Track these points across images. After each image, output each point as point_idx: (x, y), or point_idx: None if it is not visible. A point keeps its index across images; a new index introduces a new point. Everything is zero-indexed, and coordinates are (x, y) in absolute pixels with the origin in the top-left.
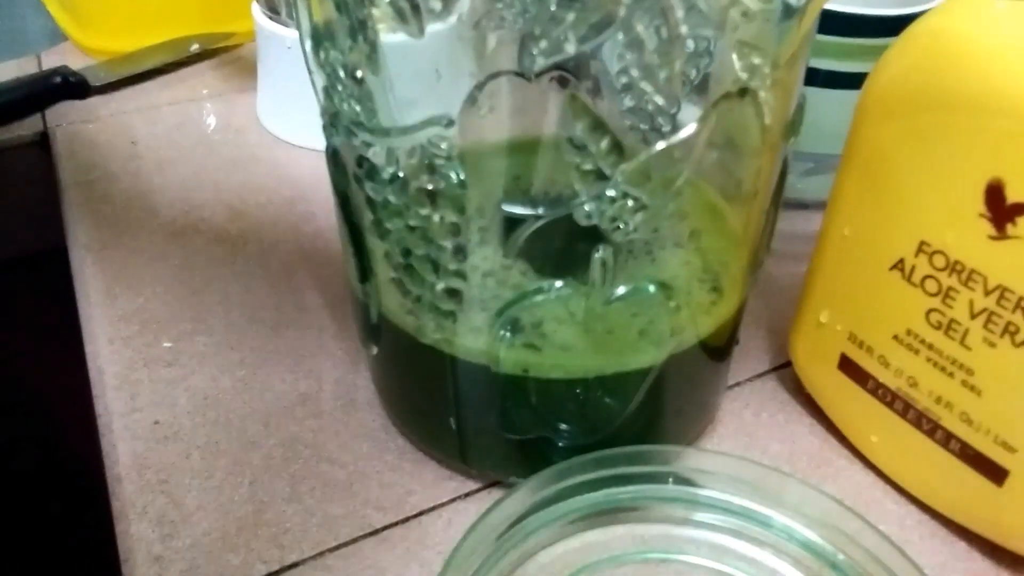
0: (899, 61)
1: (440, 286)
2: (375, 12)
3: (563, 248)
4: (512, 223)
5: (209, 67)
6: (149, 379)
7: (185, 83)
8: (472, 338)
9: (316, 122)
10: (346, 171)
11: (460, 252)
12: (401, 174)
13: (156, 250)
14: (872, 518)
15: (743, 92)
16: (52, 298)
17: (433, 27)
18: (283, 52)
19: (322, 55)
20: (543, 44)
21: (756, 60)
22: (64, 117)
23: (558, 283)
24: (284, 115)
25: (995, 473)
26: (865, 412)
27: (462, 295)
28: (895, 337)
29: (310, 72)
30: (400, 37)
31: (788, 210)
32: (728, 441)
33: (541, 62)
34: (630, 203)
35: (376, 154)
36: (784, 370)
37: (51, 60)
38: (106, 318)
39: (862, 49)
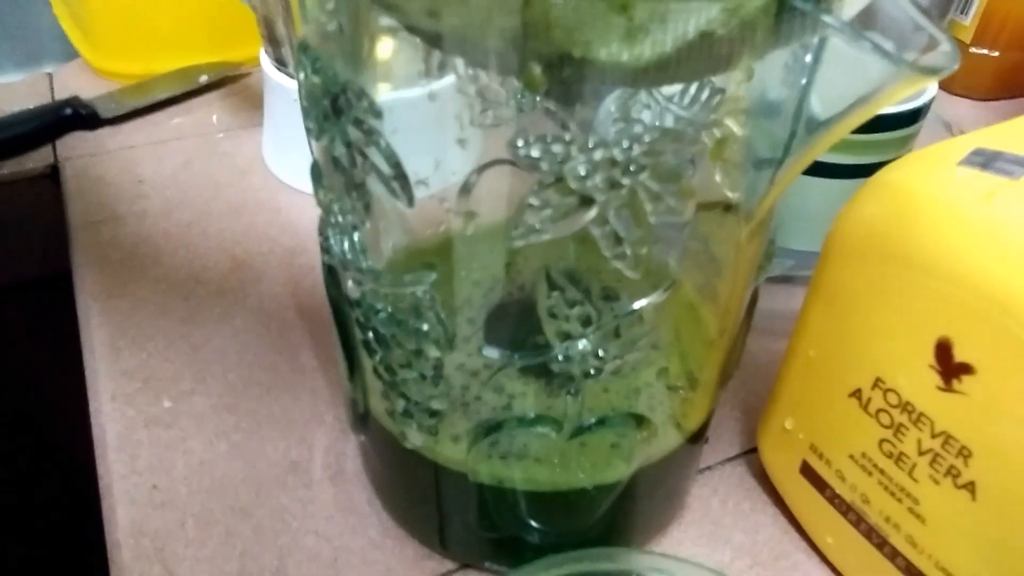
0: (862, 209)
1: (422, 405)
2: (368, 180)
3: (540, 379)
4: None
5: (217, 97)
6: (149, 441)
7: (193, 115)
8: (452, 449)
9: None
10: (340, 287)
11: (441, 380)
12: (389, 310)
13: (160, 301)
14: None
15: (727, 207)
16: (59, 322)
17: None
18: (289, 103)
19: (320, 194)
20: (521, 230)
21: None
22: (74, 149)
23: (531, 414)
24: (288, 161)
25: None
26: (823, 515)
27: (443, 414)
28: (851, 456)
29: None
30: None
31: (770, 284)
32: (696, 528)
33: (520, 243)
34: (600, 354)
35: (366, 291)
36: (752, 455)
37: (62, 78)
38: (110, 374)
39: (847, 143)
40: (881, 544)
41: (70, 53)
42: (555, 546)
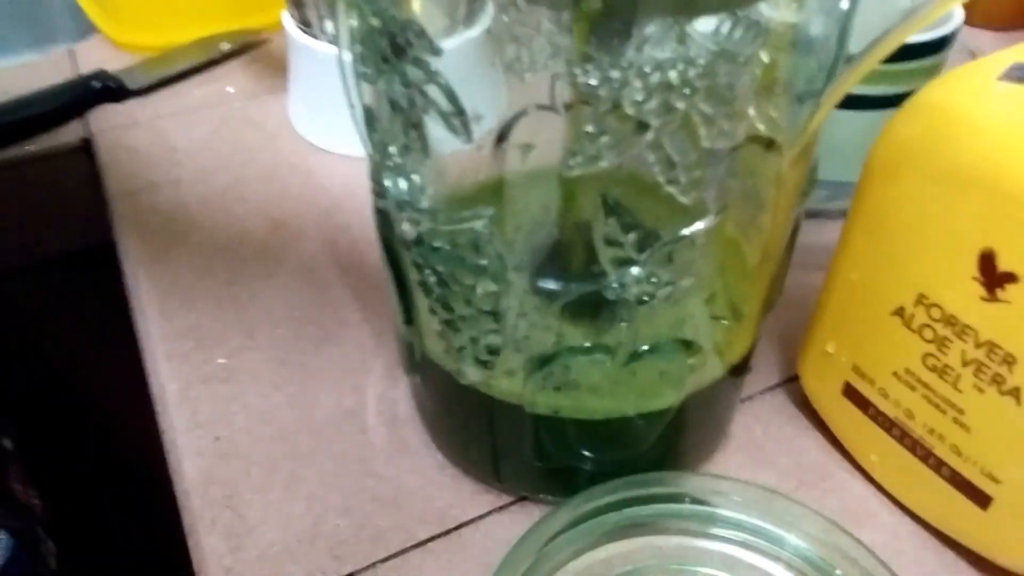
0: (901, 130)
1: (480, 341)
2: (426, 118)
3: (592, 311)
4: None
5: (239, 65)
6: (207, 396)
7: (218, 83)
8: (507, 382)
9: (348, 128)
10: (393, 230)
11: (499, 315)
12: (446, 246)
13: (204, 264)
14: (870, 528)
15: (769, 143)
16: (106, 293)
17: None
18: (315, 64)
19: (375, 137)
20: (579, 158)
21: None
22: (104, 122)
23: (587, 343)
24: (317, 122)
25: (981, 499)
26: (866, 434)
27: (499, 349)
28: (894, 374)
29: (363, 142)
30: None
31: (805, 218)
32: (740, 455)
33: (577, 172)
34: (653, 280)
35: (423, 231)
36: (793, 383)
37: (83, 54)
38: (162, 335)
39: (875, 74)
40: (926, 456)
41: (84, 30)
42: (607, 475)
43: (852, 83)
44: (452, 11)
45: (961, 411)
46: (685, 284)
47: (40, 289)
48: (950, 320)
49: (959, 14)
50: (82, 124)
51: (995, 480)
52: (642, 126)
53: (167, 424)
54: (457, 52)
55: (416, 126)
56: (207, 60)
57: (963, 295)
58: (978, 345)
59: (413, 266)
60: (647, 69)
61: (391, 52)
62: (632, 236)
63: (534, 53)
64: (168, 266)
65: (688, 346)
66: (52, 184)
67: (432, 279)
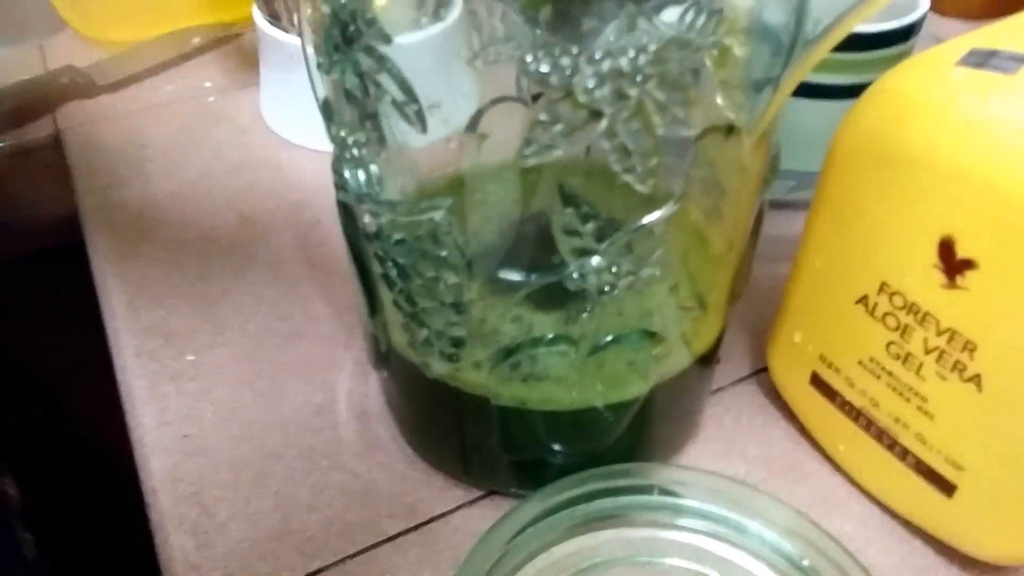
0: (861, 119)
1: (444, 334)
2: (381, 108)
3: (555, 302)
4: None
5: (211, 60)
6: (176, 393)
7: (188, 78)
8: (473, 375)
9: (319, 124)
10: (355, 223)
11: (461, 307)
12: (407, 238)
13: (172, 260)
14: (839, 517)
15: (729, 130)
16: (76, 290)
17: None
18: (285, 58)
19: (333, 129)
20: (534, 147)
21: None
22: (74, 118)
23: (550, 334)
24: (287, 117)
25: (945, 487)
26: (833, 423)
27: (464, 341)
28: (859, 362)
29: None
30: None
31: (771, 211)
32: (711, 445)
33: (533, 161)
34: (614, 270)
35: (383, 223)
36: (762, 375)
37: (52, 49)
38: (131, 331)
39: (841, 63)
40: (892, 445)
41: (56, 27)
42: (576, 468)
43: (809, 67)
44: (420, 3)
45: (924, 399)
46: (646, 274)
47: (11, 285)
48: (912, 308)
49: (925, 2)
50: (52, 120)
51: (959, 468)
52: (595, 114)
53: (135, 422)
54: (425, 44)
55: (372, 116)
56: (179, 55)
57: (924, 283)
58: (939, 333)
59: (376, 259)
60: (597, 56)
61: (342, 41)
62: (590, 226)
63: (498, 44)
64: (136, 262)
65: (652, 336)
66: (20, 180)
67: (394, 272)
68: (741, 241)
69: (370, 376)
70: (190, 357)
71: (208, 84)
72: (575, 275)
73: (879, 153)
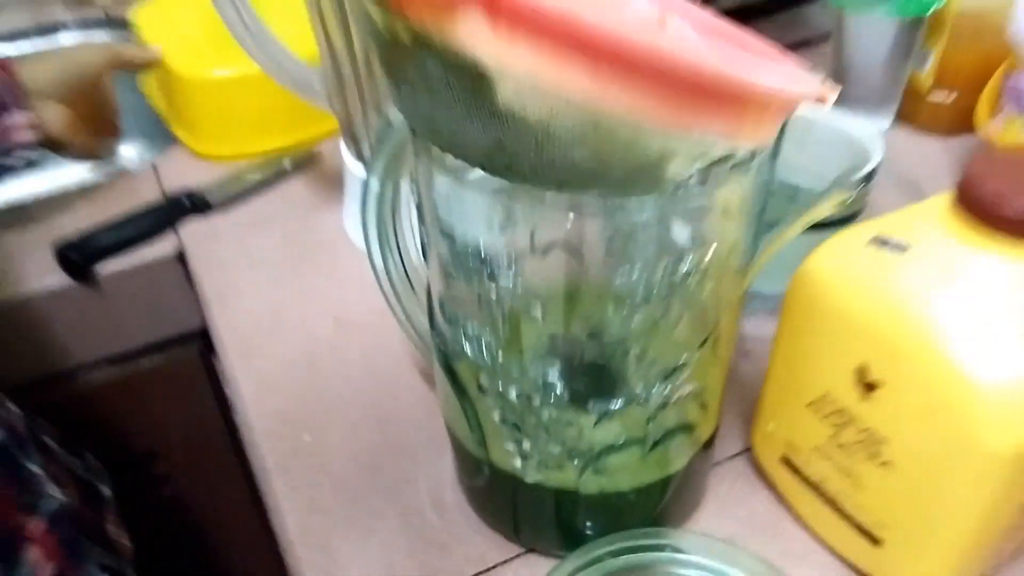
0: (803, 280)
1: (545, 449)
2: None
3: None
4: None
5: (299, 179)
6: (299, 466)
7: (283, 196)
8: (559, 476)
9: None
10: (457, 374)
11: (558, 431)
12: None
13: (285, 355)
14: (805, 566)
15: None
16: (194, 375)
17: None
18: None
19: (444, 319)
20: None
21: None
22: (193, 234)
23: (622, 440)
24: None
25: (875, 540)
26: (799, 492)
27: (559, 453)
28: (813, 448)
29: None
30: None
31: (757, 317)
32: (711, 508)
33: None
34: (666, 391)
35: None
36: (748, 452)
37: (165, 165)
38: (258, 416)
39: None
40: (838, 509)
41: (163, 145)
42: (602, 533)
43: (772, 252)
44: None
45: (857, 477)
46: (685, 390)
47: (141, 370)
48: (842, 412)
49: (877, 155)
50: (175, 234)
51: (883, 526)
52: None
53: (268, 489)
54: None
55: (488, 304)
56: (273, 176)
57: (848, 395)
58: (861, 431)
59: (491, 395)
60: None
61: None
62: (656, 368)
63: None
64: (259, 360)
65: (688, 429)
66: (149, 286)
67: (503, 411)
68: (730, 359)
69: (447, 456)
70: (307, 438)
71: (298, 201)
72: (643, 399)
73: (815, 306)
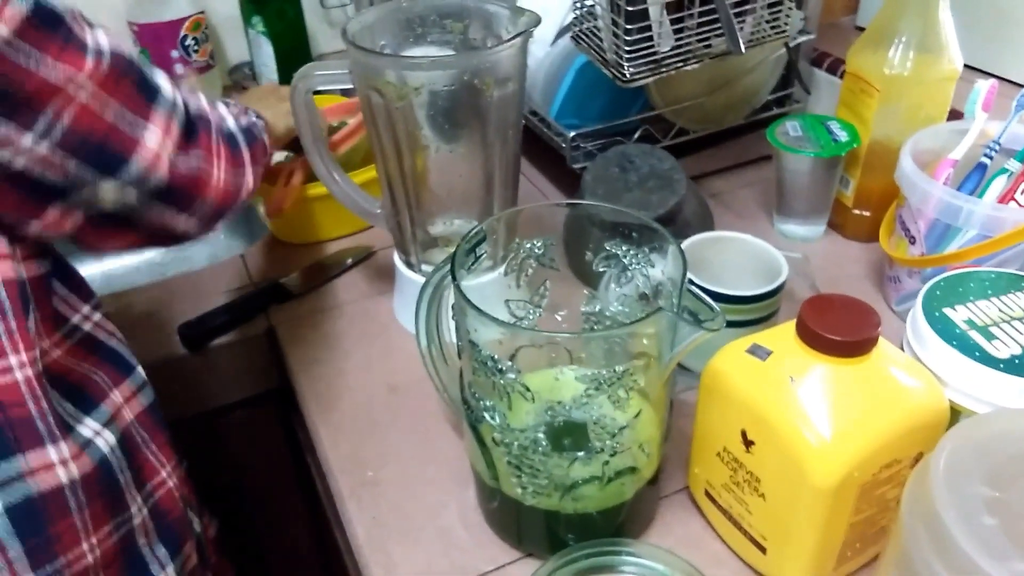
0: (707, 373)
1: (537, 481)
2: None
3: (589, 460)
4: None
5: (359, 273)
6: (366, 494)
7: (347, 287)
8: (547, 501)
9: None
10: (478, 428)
11: (545, 471)
12: (516, 444)
13: (354, 412)
14: (723, 567)
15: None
16: (271, 430)
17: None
18: (413, 288)
19: (471, 399)
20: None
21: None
22: (280, 317)
23: (587, 475)
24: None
25: (762, 549)
26: (717, 516)
27: (547, 484)
28: (722, 484)
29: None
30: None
31: (693, 390)
32: (659, 527)
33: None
34: (619, 443)
35: (502, 437)
36: (687, 488)
37: (253, 256)
38: (334, 457)
39: (735, 310)
40: (739, 527)
41: (252, 239)
42: (579, 540)
43: (679, 359)
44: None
45: (747, 504)
46: (630, 441)
47: (234, 423)
48: (735, 460)
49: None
50: (265, 317)
51: (765, 539)
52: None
53: (343, 511)
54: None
55: (501, 393)
56: (339, 271)
57: (737, 449)
58: (747, 472)
59: (501, 447)
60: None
61: (491, 371)
62: (608, 428)
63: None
64: (332, 414)
65: (633, 470)
66: (243, 360)
67: (509, 456)
68: (665, 417)
69: (470, 487)
70: (370, 473)
71: (358, 291)
72: (599, 448)
73: (716, 390)
